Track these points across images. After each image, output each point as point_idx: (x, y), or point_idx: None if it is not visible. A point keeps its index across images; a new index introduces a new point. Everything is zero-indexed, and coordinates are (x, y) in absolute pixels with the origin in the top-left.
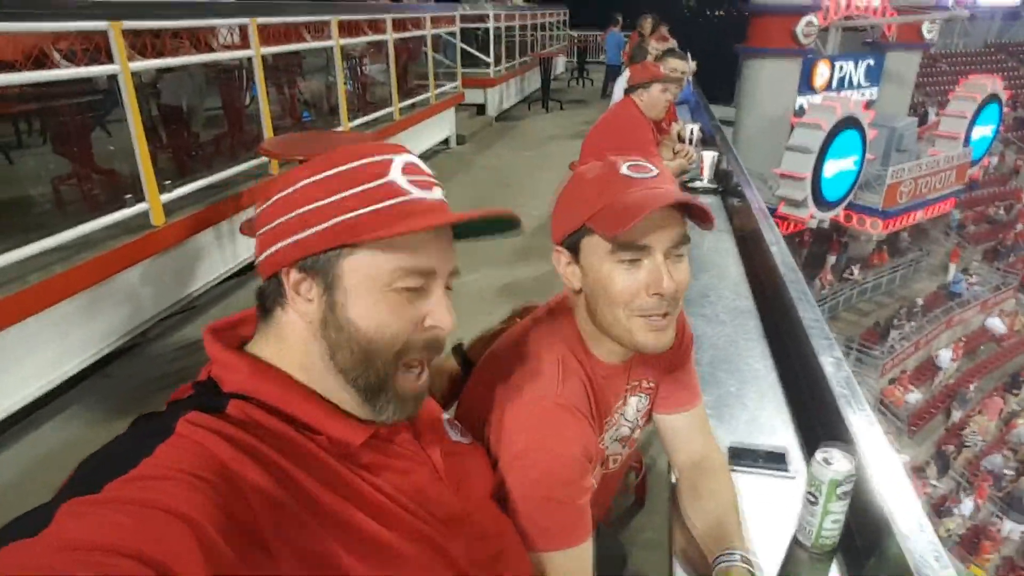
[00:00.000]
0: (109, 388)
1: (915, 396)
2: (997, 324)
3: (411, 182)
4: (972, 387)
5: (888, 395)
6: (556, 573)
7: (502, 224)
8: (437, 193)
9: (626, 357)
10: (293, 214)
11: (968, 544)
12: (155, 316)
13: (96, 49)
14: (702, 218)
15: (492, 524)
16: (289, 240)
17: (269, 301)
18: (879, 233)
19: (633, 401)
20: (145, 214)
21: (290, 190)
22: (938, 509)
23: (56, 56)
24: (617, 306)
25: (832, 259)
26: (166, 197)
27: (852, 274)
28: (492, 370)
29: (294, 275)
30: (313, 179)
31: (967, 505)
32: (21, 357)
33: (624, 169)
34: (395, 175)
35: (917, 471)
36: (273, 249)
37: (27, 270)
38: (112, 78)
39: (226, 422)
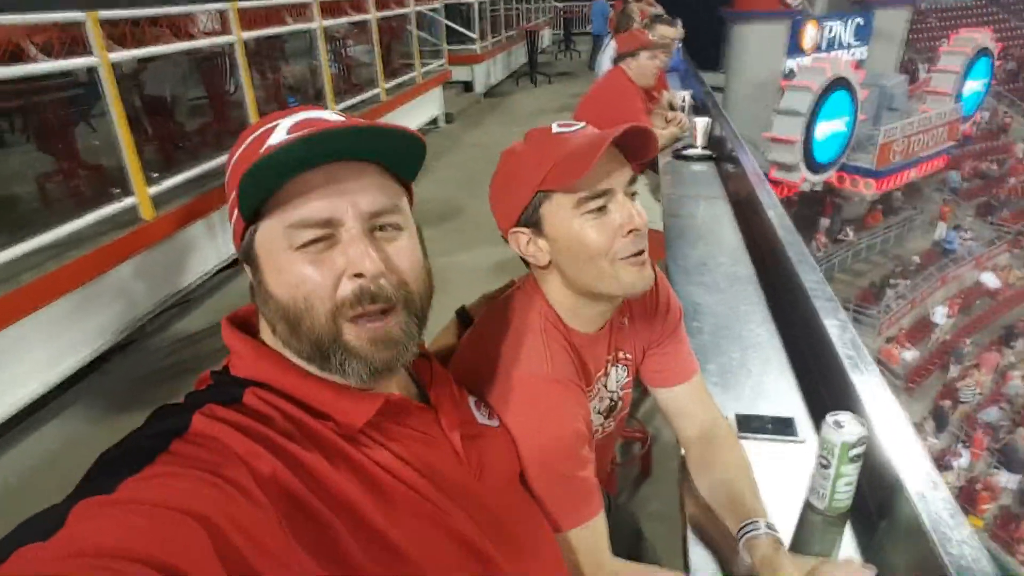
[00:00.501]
0: (108, 385)
1: (911, 354)
2: (991, 279)
3: (290, 132)
4: (968, 342)
5: (885, 354)
6: (577, 550)
7: (396, 140)
8: (327, 127)
9: (602, 325)
10: (228, 203)
11: (966, 497)
12: (150, 311)
13: (74, 41)
14: (645, 146)
15: (515, 509)
16: (231, 229)
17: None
18: (872, 194)
19: (613, 372)
20: (134, 208)
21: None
22: (937, 464)
23: (32, 50)
24: (599, 257)
25: (825, 221)
26: (154, 190)
27: (846, 236)
28: (475, 350)
29: (245, 267)
30: (227, 170)
31: (964, 458)
32: (18, 358)
33: (556, 128)
34: (277, 136)
35: (916, 428)
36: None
37: (18, 270)
38: (92, 71)
39: (241, 413)
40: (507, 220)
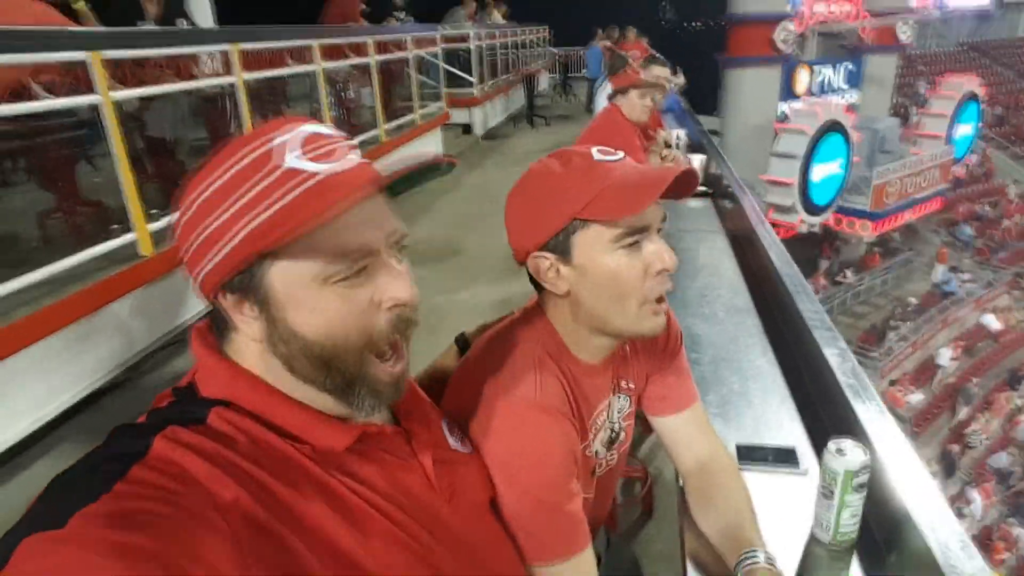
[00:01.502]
0: (102, 423)
1: (917, 397)
2: (992, 321)
3: (312, 158)
4: (975, 381)
5: (891, 397)
6: None
7: (431, 170)
8: (346, 156)
9: (607, 355)
10: (201, 236)
11: (982, 546)
12: (147, 348)
13: (76, 80)
14: (688, 184)
15: (483, 536)
16: (207, 265)
17: (221, 324)
18: (870, 235)
19: (615, 402)
20: (133, 244)
21: (191, 210)
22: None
23: (36, 88)
24: (628, 297)
25: (825, 263)
26: (153, 226)
27: (845, 277)
28: (468, 375)
29: (229, 298)
30: (206, 190)
31: (977, 505)
32: (11, 393)
33: (597, 155)
34: (289, 158)
35: None
36: (198, 277)
37: (14, 305)
38: (95, 110)
39: (205, 436)
40: (530, 242)
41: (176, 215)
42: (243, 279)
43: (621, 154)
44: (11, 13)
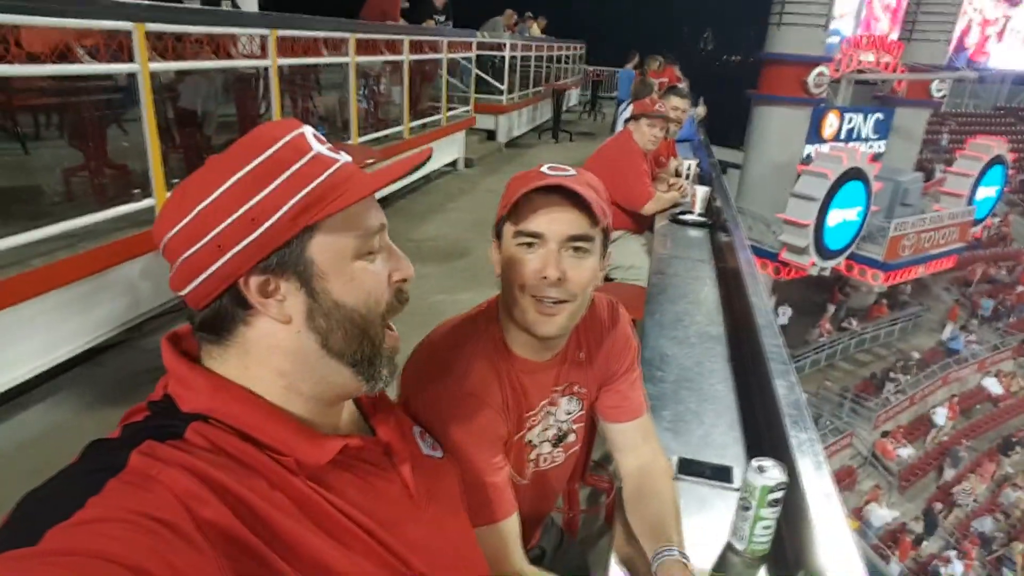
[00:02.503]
0: (100, 377)
1: (907, 451)
2: (993, 384)
3: (329, 148)
4: (965, 443)
5: (880, 448)
6: (484, 547)
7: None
8: (340, 152)
9: (546, 355)
10: (232, 219)
11: None
12: (151, 310)
13: (119, 48)
14: (592, 213)
15: (460, 535)
16: (239, 247)
17: (223, 324)
18: (880, 285)
19: (563, 402)
20: (151, 209)
21: (210, 199)
22: (925, 569)
23: (80, 52)
24: (516, 285)
25: (831, 308)
26: None
27: (851, 324)
28: (411, 370)
29: (255, 281)
30: (235, 178)
31: (955, 568)
32: (16, 339)
33: (544, 168)
34: (315, 146)
35: (906, 530)
36: (216, 266)
37: (31, 255)
38: (131, 77)
39: (183, 451)
40: (493, 229)
41: (182, 208)
42: (282, 255)
43: (569, 171)
44: None
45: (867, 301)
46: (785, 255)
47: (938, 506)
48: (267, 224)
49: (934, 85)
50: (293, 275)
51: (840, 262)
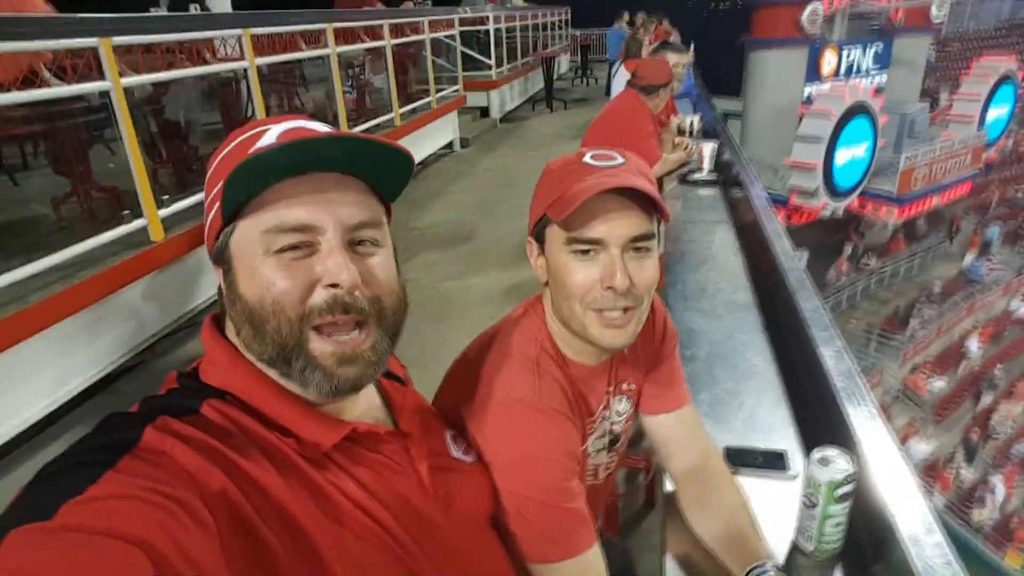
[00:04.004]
0: (116, 406)
1: (940, 383)
2: (1020, 307)
3: (279, 137)
4: (1000, 367)
5: (912, 383)
6: None
7: (388, 159)
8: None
9: (601, 358)
10: (206, 203)
11: (1003, 531)
12: (159, 332)
13: (87, 66)
14: (656, 209)
15: (476, 548)
16: (207, 230)
17: (222, 298)
18: (895, 220)
19: (615, 404)
20: (144, 230)
21: (207, 183)
22: (968, 497)
23: (46, 74)
24: (573, 299)
25: (848, 248)
26: (164, 212)
27: (869, 263)
28: (465, 374)
29: (216, 268)
30: (209, 170)
31: (999, 491)
32: (25, 377)
33: (587, 158)
34: (266, 139)
35: (945, 461)
36: (209, 243)
37: (28, 290)
38: (106, 95)
39: (196, 426)
40: (529, 227)
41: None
42: (218, 246)
43: (619, 160)
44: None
45: (883, 237)
46: (796, 199)
47: (976, 435)
48: (209, 217)
49: (933, 9)
50: (223, 266)
51: (852, 200)
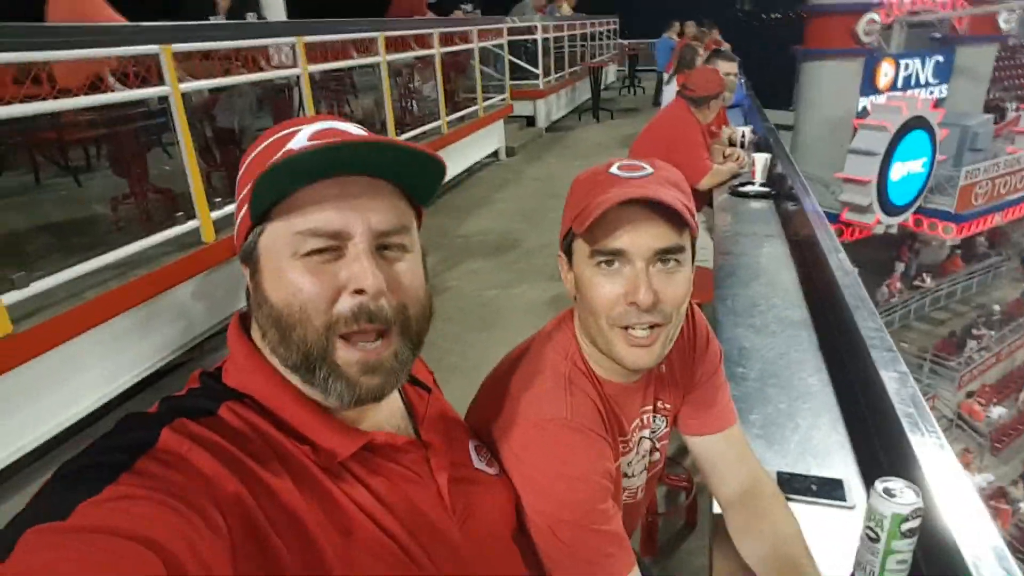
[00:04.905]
0: None
1: (999, 411)
2: None
3: (310, 138)
4: None
5: (967, 410)
6: None
7: (420, 164)
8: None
9: (633, 377)
10: (237, 201)
11: None
12: (208, 330)
13: (148, 72)
14: (682, 220)
15: (494, 563)
16: (236, 226)
17: (248, 300)
18: (952, 238)
19: (649, 423)
20: (196, 231)
21: (238, 183)
22: None
23: (111, 80)
24: (599, 315)
25: (901, 266)
26: (216, 214)
27: (924, 281)
28: (496, 391)
29: (245, 269)
30: (241, 168)
31: None
32: (78, 371)
33: (614, 168)
34: (298, 141)
35: (1000, 494)
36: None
37: (84, 287)
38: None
39: (213, 429)
40: (560, 242)
41: None
42: (247, 246)
43: (648, 170)
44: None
45: (939, 256)
46: (847, 215)
47: None
48: (239, 217)
49: (1001, 17)
50: (250, 262)
51: (907, 217)
